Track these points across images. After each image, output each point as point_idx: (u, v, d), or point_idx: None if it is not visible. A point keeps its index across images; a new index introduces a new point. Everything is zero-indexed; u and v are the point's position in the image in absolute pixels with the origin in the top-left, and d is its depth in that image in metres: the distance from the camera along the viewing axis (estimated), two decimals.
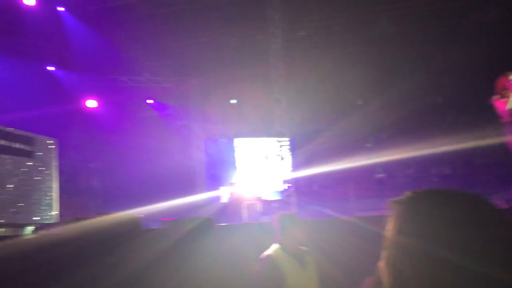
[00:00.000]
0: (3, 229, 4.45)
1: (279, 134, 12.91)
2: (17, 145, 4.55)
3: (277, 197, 13.36)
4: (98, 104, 13.65)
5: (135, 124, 13.68)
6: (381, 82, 13.76)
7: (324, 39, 13.59)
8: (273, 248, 3.41)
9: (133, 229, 3.22)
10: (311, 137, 13.60)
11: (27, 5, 10.75)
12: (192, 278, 3.69)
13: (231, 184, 12.21)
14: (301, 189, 13.79)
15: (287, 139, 13.01)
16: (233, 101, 14.70)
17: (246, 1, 12.48)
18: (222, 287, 4.02)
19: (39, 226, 4.77)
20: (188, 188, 13.37)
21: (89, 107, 13.57)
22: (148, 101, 14.81)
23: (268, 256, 3.35)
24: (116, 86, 13.95)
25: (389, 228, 1.03)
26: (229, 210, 10.97)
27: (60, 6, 11.81)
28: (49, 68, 12.80)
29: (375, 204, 11.06)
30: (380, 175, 13.75)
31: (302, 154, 13.50)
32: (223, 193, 13.25)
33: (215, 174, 15.43)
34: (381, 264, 1.04)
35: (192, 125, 14.84)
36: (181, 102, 14.87)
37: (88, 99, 13.52)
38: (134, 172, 12.87)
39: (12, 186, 4.37)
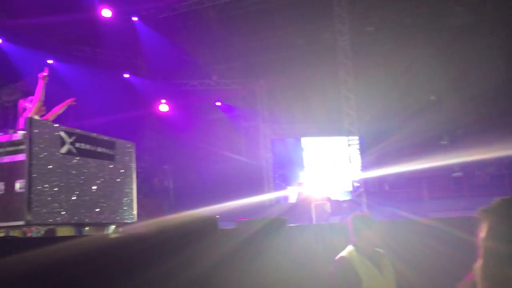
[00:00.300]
0: (88, 228, 4.75)
1: (348, 133, 12.66)
2: (100, 149, 4.84)
3: (347, 197, 13.12)
4: (170, 108, 14.21)
5: (205, 126, 14.07)
6: (456, 76, 13.02)
7: (394, 34, 13.12)
8: (348, 250, 3.34)
9: (210, 228, 3.32)
10: (382, 135, 13.18)
11: (105, 17, 11.44)
12: (263, 278, 3.73)
13: (299, 184, 12.17)
14: (371, 189, 13.43)
15: (356, 137, 12.74)
16: (163, 101, 14.59)
17: (311, 0, 12.39)
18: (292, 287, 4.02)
19: (120, 225, 5.04)
20: (256, 188, 13.52)
21: (161, 111, 14.18)
22: (216, 103, 15.18)
23: (343, 257, 3.29)
24: (186, 90, 14.45)
25: (483, 237, 0.98)
26: (297, 210, 10.93)
27: (133, 16, 12.44)
28: (125, 75, 13.51)
29: (452, 205, 10.51)
30: (457, 174, 13.03)
31: (372, 153, 13.14)
32: (291, 193, 13.23)
33: (283, 174, 15.47)
34: (477, 272, 0.99)
35: (260, 125, 14.98)
36: (249, 103, 15.07)
37: (161, 103, 14.14)
38: (205, 173, 13.25)
39: (96, 187, 4.64)
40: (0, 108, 10.30)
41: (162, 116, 14.24)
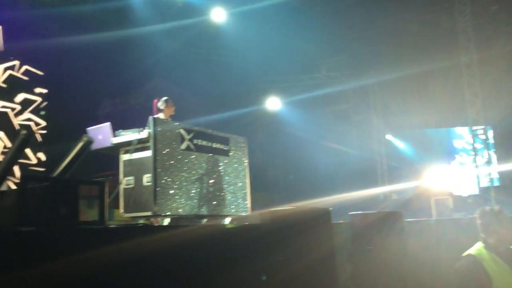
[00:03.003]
0: (205, 220, 5.05)
1: (473, 123, 11.63)
2: (215, 145, 5.10)
3: (472, 192, 12.06)
4: (280, 103, 14.43)
5: (316, 120, 14.00)
6: None
7: None
8: (476, 247, 3.07)
9: (323, 219, 3.30)
10: None
11: (217, 19, 11.99)
12: (378, 273, 3.61)
13: (417, 177, 11.53)
14: (501, 183, 12.25)
15: (482, 127, 11.66)
16: (273, 97, 13.98)
17: None
18: (410, 285, 3.83)
19: (235, 217, 5.26)
20: (369, 181, 13.13)
21: (272, 107, 14.46)
22: (325, 97, 14.98)
23: (471, 255, 3.03)
24: (295, 85, 14.54)
25: None
26: (414, 206, 10.37)
27: (244, 16, 12.80)
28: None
29: None
30: None
31: (503, 144, 11.90)
32: (408, 187, 12.59)
33: (398, 167, 14.78)
34: None
35: (372, 118, 14.48)
36: (360, 95, 14.63)
37: (271, 99, 14.42)
38: (316, 167, 13.21)
39: (212, 181, 4.88)
40: (129, 110, 11.41)
41: (272, 112, 14.51)
